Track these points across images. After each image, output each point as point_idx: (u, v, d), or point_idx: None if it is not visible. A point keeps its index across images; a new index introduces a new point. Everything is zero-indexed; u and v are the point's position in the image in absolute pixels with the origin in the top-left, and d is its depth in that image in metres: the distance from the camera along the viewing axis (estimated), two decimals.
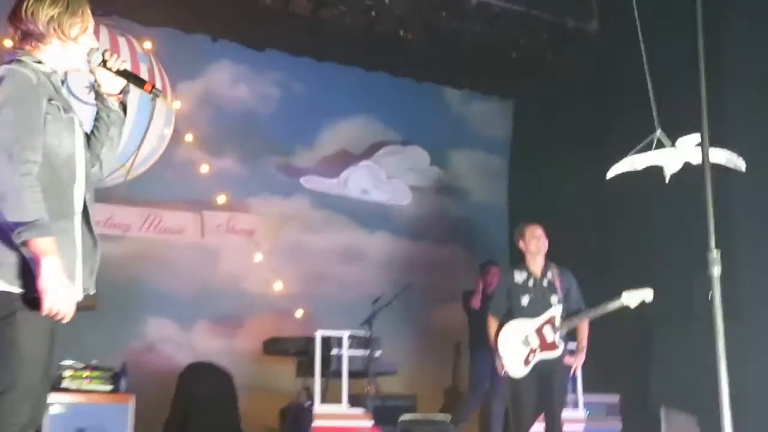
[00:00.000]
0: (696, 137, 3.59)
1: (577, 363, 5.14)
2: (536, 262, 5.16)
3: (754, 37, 6.25)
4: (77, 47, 2.57)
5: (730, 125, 5.84)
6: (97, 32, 2.95)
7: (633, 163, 4.16)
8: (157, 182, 7.66)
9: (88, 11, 2.61)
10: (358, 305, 6.95)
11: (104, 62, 2.63)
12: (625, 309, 4.95)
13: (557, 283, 5.10)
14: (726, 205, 4.83)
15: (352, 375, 6.18)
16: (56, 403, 5.39)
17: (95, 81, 2.70)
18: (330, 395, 6.25)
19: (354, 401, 6.10)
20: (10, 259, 2.32)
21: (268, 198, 8.48)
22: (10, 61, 2.46)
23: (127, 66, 2.70)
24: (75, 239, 2.47)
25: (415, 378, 8.11)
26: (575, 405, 6.43)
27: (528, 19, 7.84)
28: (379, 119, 9.12)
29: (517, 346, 4.98)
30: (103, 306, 2.67)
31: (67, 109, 2.52)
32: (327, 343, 6.20)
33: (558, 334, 4.99)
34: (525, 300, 5.07)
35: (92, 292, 2.54)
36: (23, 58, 2.48)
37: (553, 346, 4.97)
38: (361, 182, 8.97)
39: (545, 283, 5.10)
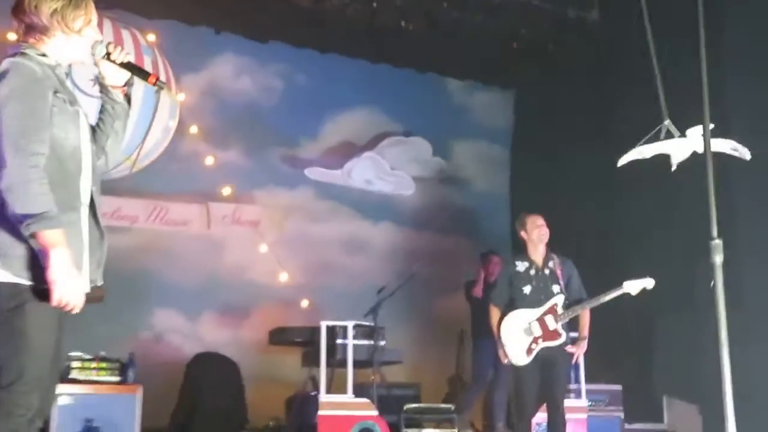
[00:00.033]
0: None
1: (579, 352, 5.12)
2: (538, 251, 5.16)
3: (753, 24, 6.24)
4: (81, 40, 2.56)
5: (730, 114, 5.84)
6: (100, 25, 2.95)
7: (642, 152, 4.16)
8: (163, 174, 7.70)
9: (92, 4, 2.60)
10: (362, 295, 6.97)
11: (108, 54, 2.61)
12: (626, 296, 4.98)
13: (559, 272, 5.11)
14: (727, 193, 4.84)
15: (357, 364, 6.20)
16: (64, 394, 5.44)
17: (99, 73, 2.69)
18: (335, 384, 6.28)
19: (359, 390, 6.14)
20: (18, 251, 2.32)
21: (273, 189, 8.51)
22: (14, 54, 2.45)
23: (131, 58, 2.68)
24: (82, 231, 2.48)
25: (419, 367, 8.15)
26: (578, 394, 6.45)
27: (529, 9, 7.84)
28: (382, 110, 9.13)
29: (519, 335, 5.00)
30: (110, 297, 2.69)
31: (73, 101, 2.52)
32: (332, 332, 6.19)
33: (560, 323, 5.02)
34: (527, 289, 5.08)
35: (100, 283, 2.54)
36: (27, 51, 2.47)
37: (555, 334, 4.98)
38: (364, 173, 8.99)
39: (547, 272, 5.11)
